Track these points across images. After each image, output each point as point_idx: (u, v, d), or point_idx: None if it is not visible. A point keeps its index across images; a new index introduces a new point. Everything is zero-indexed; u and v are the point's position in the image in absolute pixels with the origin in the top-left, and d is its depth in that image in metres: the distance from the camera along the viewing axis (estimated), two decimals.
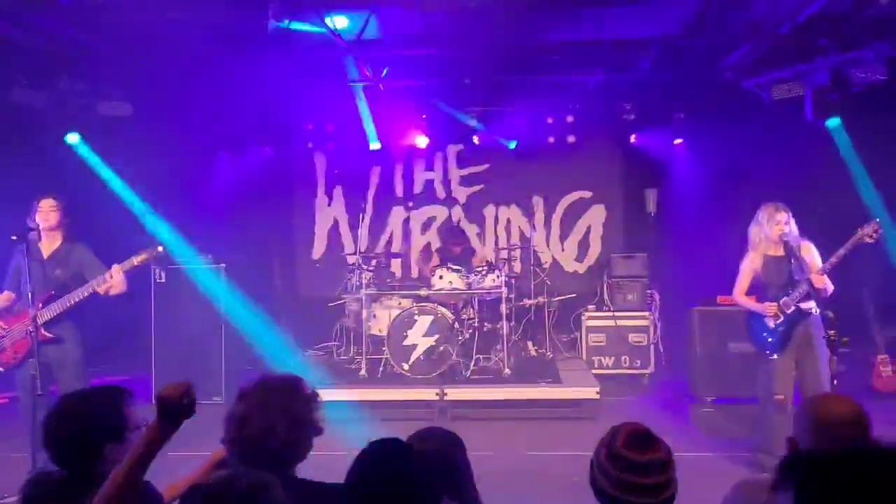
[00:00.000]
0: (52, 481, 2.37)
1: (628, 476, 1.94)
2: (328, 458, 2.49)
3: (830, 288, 5.02)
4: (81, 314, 5.29)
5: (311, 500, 2.32)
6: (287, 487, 2.23)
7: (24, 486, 2.39)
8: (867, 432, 2.29)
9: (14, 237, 4.75)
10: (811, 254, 5.21)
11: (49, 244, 5.26)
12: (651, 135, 9.21)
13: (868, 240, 4.92)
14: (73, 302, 5.08)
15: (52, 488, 2.34)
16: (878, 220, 4.94)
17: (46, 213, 5.14)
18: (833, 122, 7.58)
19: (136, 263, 5.21)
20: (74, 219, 5.38)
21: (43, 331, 4.92)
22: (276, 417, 2.31)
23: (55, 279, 5.15)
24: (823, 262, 5.09)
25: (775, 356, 5.23)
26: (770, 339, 5.27)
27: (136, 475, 2.09)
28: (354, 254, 8.66)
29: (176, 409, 2.14)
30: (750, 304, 5.42)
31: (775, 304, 5.22)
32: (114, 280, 5.10)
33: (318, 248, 10.35)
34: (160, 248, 5.30)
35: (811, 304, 5.15)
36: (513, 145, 9.48)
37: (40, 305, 4.99)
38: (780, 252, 5.23)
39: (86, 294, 5.11)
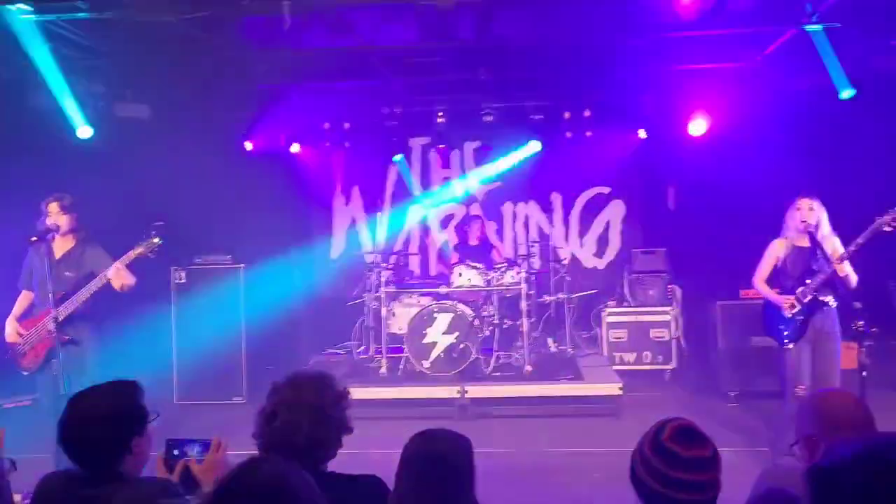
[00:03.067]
0: (68, 481, 2.37)
1: (672, 471, 1.88)
2: (349, 456, 2.48)
3: (854, 277, 4.94)
4: (98, 316, 5.27)
5: (340, 493, 2.30)
6: (322, 484, 2.27)
7: (36, 488, 2.39)
8: (871, 428, 2.25)
9: (33, 238, 4.78)
10: (834, 246, 5.12)
11: (62, 245, 5.21)
12: (670, 128, 9.09)
13: (887, 228, 4.82)
14: (80, 301, 5.00)
15: (70, 488, 2.33)
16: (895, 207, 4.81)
17: (55, 216, 5.09)
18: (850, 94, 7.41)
19: (132, 257, 5.05)
20: (84, 219, 5.33)
21: (62, 333, 4.92)
22: (303, 413, 2.32)
23: (66, 280, 5.07)
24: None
25: (791, 345, 5.16)
26: (785, 329, 5.20)
27: None
28: (373, 252, 8.65)
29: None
30: (769, 293, 5.35)
31: (792, 297, 5.16)
32: (114, 275, 4.97)
33: (337, 248, 10.37)
34: (157, 240, 5.09)
35: (829, 297, 5.09)
36: (531, 141, 9.40)
37: (60, 308, 4.96)
38: (805, 243, 5.15)
39: (88, 294, 5.02)
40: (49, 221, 5.04)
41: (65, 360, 4.87)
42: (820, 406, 2.33)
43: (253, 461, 1.72)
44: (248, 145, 9.11)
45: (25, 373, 5.19)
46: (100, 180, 7.63)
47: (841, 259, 4.92)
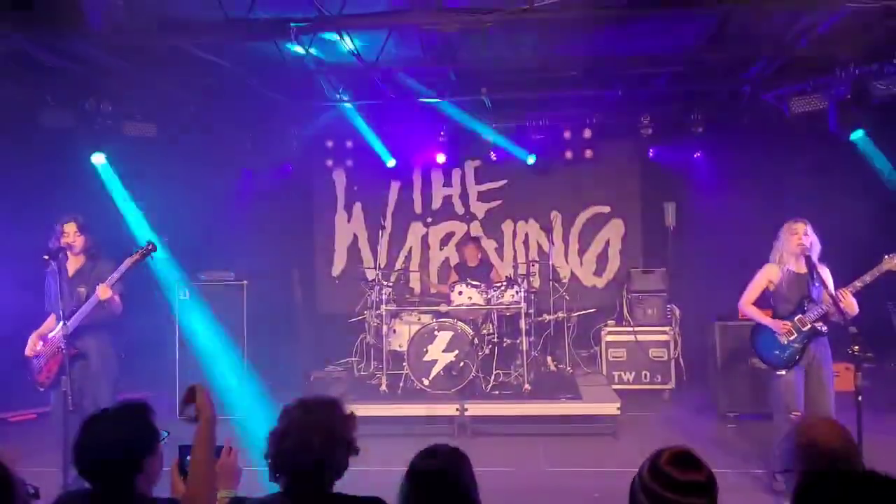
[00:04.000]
0: (83, 501, 2.42)
1: (667, 493, 1.96)
2: (349, 473, 2.53)
3: (855, 309, 4.92)
4: (110, 330, 5.43)
5: None
6: (321, 502, 2.37)
7: None
8: (858, 460, 2.30)
9: (46, 257, 4.88)
10: (826, 275, 5.13)
11: (75, 263, 5.41)
12: (669, 148, 9.19)
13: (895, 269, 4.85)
14: (83, 317, 5.14)
15: None
16: None
17: (72, 237, 5.28)
18: (856, 135, 7.53)
19: (123, 272, 5.22)
20: (96, 237, 5.50)
21: (68, 346, 5.04)
22: (312, 435, 2.37)
23: (79, 296, 5.24)
24: (839, 286, 5.00)
25: (783, 372, 5.17)
26: (780, 355, 5.20)
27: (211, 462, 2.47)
28: (374, 269, 8.72)
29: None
30: (762, 317, 5.32)
31: (790, 323, 5.15)
32: (101, 293, 5.11)
33: (338, 265, 10.44)
34: (150, 246, 5.30)
35: (825, 326, 5.12)
36: (531, 160, 9.50)
37: (68, 323, 5.07)
38: (802, 268, 5.18)
39: (87, 310, 5.15)
40: (65, 241, 5.22)
41: (74, 373, 5.02)
42: (802, 437, 2.38)
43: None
44: (248, 166, 9.20)
45: (41, 388, 5.32)
46: (107, 196, 7.75)
47: (845, 295, 4.88)
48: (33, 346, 5.31)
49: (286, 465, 2.37)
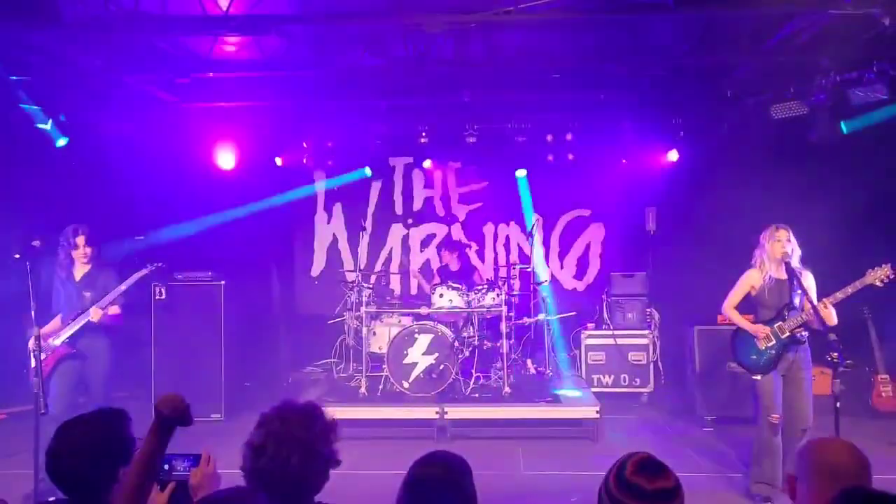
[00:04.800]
0: None
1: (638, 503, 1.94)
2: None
3: (835, 319, 4.93)
4: (108, 333, 5.73)
5: None
6: None
7: None
8: (869, 480, 2.30)
9: (17, 255, 4.86)
10: (809, 283, 5.15)
11: (81, 269, 5.76)
12: (651, 153, 9.23)
13: (878, 283, 4.85)
14: (81, 324, 5.54)
15: None
16: (890, 265, 4.85)
17: (83, 249, 5.67)
18: (848, 127, 7.52)
19: (118, 295, 5.65)
20: (99, 247, 5.85)
21: (67, 346, 5.54)
22: (292, 448, 2.30)
23: (85, 299, 5.63)
24: (822, 295, 5.02)
25: (759, 377, 5.20)
26: (757, 360, 5.22)
27: (147, 485, 2.23)
28: (354, 271, 8.67)
29: (175, 422, 2.26)
30: (742, 321, 5.35)
31: (769, 328, 5.18)
32: (94, 316, 5.54)
33: (318, 265, 10.37)
34: (145, 271, 5.89)
35: (805, 332, 5.14)
36: (522, 173, 9.47)
37: (63, 331, 5.56)
38: (783, 275, 5.20)
39: (79, 324, 5.55)
40: (76, 253, 5.66)
41: (73, 370, 5.53)
42: (816, 451, 2.36)
43: None
44: (228, 163, 9.11)
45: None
46: (80, 192, 7.63)
47: (826, 306, 4.90)
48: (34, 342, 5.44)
49: (264, 480, 2.30)
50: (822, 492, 2.23)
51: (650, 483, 1.96)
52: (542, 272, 9.59)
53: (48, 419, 4.54)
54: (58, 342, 5.51)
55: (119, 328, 5.78)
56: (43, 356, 5.28)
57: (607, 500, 2.01)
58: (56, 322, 5.64)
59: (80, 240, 5.64)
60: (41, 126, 6.85)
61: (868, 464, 2.30)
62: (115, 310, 5.62)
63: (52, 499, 2.48)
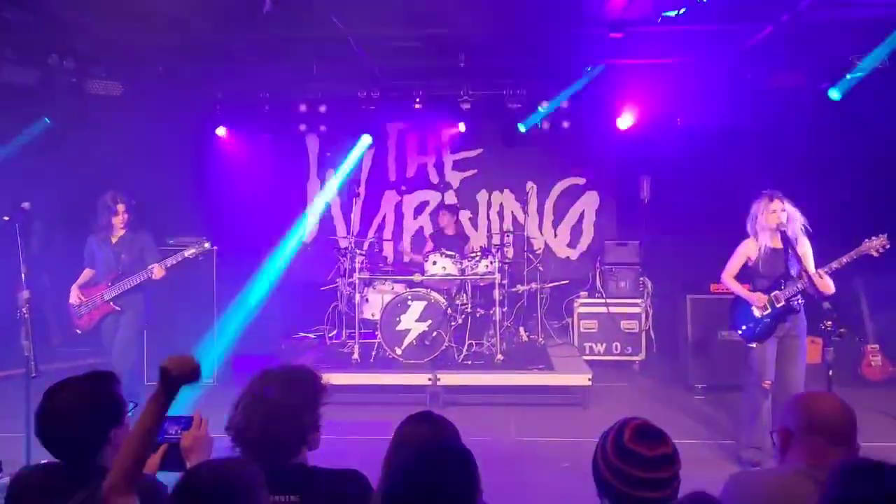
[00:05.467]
0: (46, 475, 2.34)
1: (639, 471, 1.93)
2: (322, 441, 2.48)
3: (832, 289, 4.94)
4: (143, 291, 6.26)
5: (322, 486, 2.32)
6: (294, 475, 2.31)
7: (11, 482, 2.35)
8: (856, 434, 2.31)
9: (6, 218, 4.87)
10: (805, 250, 5.16)
11: (118, 233, 6.22)
12: (646, 121, 9.14)
13: (874, 253, 4.87)
14: (131, 285, 6.08)
15: (48, 482, 2.30)
16: (886, 235, 4.87)
17: (122, 215, 6.15)
18: (834, 94, 7.47)
19: (180, 259, 6.18)
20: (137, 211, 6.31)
21: (112, 304, 6.12)
22: (258, 409, 2.31)
23: (122, 262, 6.15)
24: (819, 264, 5.04)
25: (754, 345, 5.24)
26: (753, 328, 5.26)
27: (149, 444, 2.18)
28: (347, 237, 8.62)
29: (182, 382, 2.20)
30: (740, 289, 5.38)
31: (766, 296, 5.21)
32: (157, 274, 6.07)
33: (311, 231, 10.32)
34: (207, 245, 6.36)
35: (800, 300, 5.16)
36: (524, 128, 9.34)
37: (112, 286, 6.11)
38: (778, 244, 5.20)
39: (138, 281, 6.08)
40: (116, 219, 6.12)
41: (109, 325, 6.16)
42: (808, 406, 2.36)
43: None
44: (221, 131, 9.00)
45: (79, 331, 6.25)
46: (72, 157, 7.54)
47: (822, 276, 4.91)
48: (77, 295, 6.17)
49: (251, 442, 2.31)
50: (813, 444, 2.26)
51: (649, 450, 1.95)
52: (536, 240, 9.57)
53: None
54: (109, 297, 6.07)
55: (145, 289, 6.28)
56: (85, 310, 6.13)
57: (604, 466, 2.00)
58: (87, 273, 6.24)
59: (120, 207, 6.12)
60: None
61: (855, 418, 2.32)
62: (162, 272, 6.10)
63: (42, 461, 2.45)
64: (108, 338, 6.18)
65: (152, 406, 2.18)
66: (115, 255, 6.15)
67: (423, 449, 2.04)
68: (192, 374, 2.21)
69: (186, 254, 6.18)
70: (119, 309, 6.14)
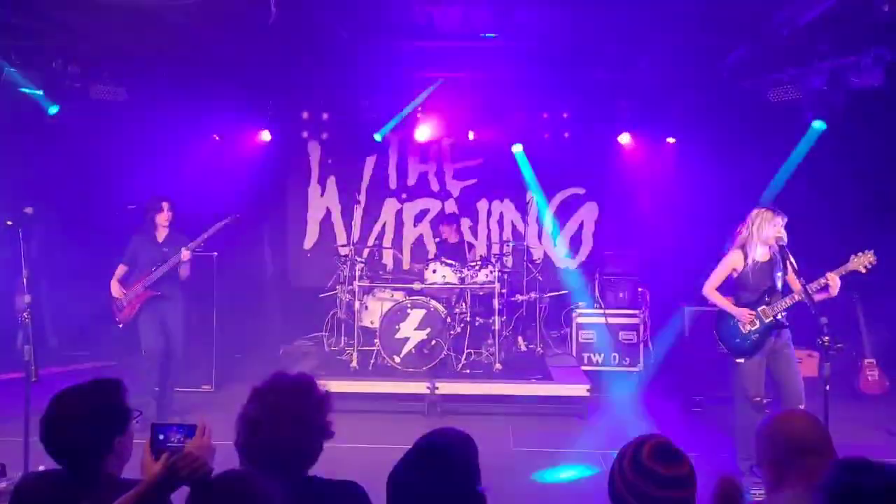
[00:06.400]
0: (51, 482, 2.34)
1: (653, 489, 1.94)
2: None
3: (836, 291, 4.93)
4: (182, 284, 6.73)
5: (321, 497, 2.32)
6: (298, 488, 2.29)
7: (15, 490, 2.35)
8: (831, 449, 2.32)
9: (9, 223, 4.88)
10: (791, 264, 5.13)
11: (162, 231, 6.73)
12: (647, 133, 9.19)
13: (862, 269, 4.88)
14: (166, 269, 6.52)
15: (51, 490, 2.31)
16: (873, 251, 4.88)
17: (166, 213, 6.68)
18: (819, 126, 7.57)
19: (205, 237, 6.65)
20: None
21: (151, 291, 6.55)
22: (286, 422, 2.29)
23: (165, 255, 6.59)
24: (805, 280, 5.02)
25: (742, 360, 5.20)
26: (741, 343, 5.22)
27: None
28: (347, 245, 8.64)
29: (188, 483, 2.10)
30: (726, 304, 5.31)
31: (753, 312, 5.16)
32: (185, 256, 6.57)
33: (311, 238, 10.33)
34: (237, 216, 6.80)
35: (785, 314, 5.15)
36: (518, 148, 9.40)
37: (154, 272, 6.55)
38: (767, 257, 5.19)
39: (172, 265, 6.54)
40: (160, 217, 6.66)
41: (160, 311, 6.60)
42: (786, 431, 2.37)
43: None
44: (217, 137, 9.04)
45: (121, 325, 6.63)
46: (73, 161, 7.56)
47: (816, 290, 4.90)
48: (118, 289, 6.58)
49: (257, 454, 2.29)
50: (807, 465, 2.24)
51: (666, 469, 1.96)
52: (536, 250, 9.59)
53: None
54: (148, 284, 6.51)
55: (187, 282, 6.77)
56: (126, 301, 6.55)
57: (619, 480, 2.00)
58: (121, 270, 6.64)
59: (165, 205, 6.66)
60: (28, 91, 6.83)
61: (828, 435, 2.34)
62: (188, 255, 6.57)
63: (41, 467, 2.46)
64: (151, 328, 6.55)
65: (145, 489, 2.08)
66: (159, 252, 6.61)
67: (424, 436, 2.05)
68: (204, 475, 2.11)
69: (209, 233, 6.65)
70: (159, 293, 6.54)
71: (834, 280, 4.89)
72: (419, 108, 9.01)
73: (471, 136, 9.61)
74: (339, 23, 6.44)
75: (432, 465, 2.03)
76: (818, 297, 4.87)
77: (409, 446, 2.26)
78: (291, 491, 2.26)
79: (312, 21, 6.31)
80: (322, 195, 10.33)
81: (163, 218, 6.69)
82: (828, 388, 4.17)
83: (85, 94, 7.26)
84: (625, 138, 9.20)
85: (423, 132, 9.39)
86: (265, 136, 9.35)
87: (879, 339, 7.68)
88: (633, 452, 2.01)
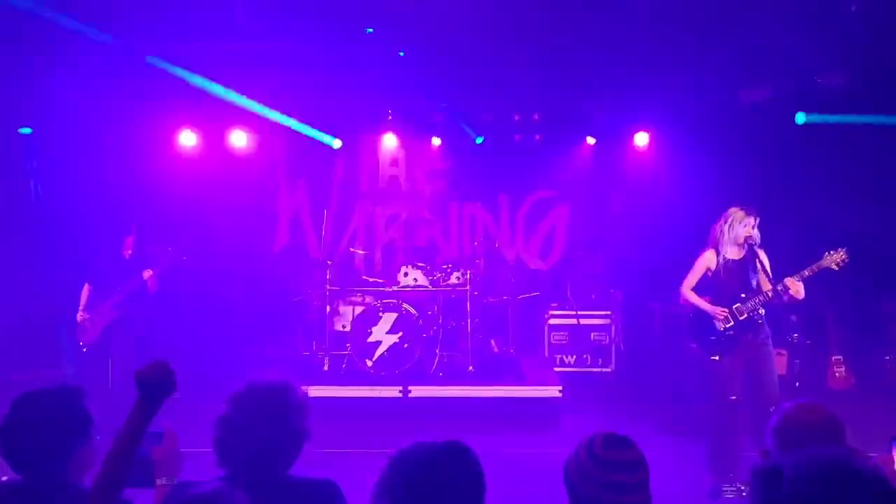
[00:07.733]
0: (7, 492, 2.26)
1: (617, 477, 1.99)
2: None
3: (803, 295, 4.97)
4: (146, 302, 6.72)
5: (297, 496, 2.31)
6: (277, 488, 2.28)
7: None
8: (842, 439, 2.39)
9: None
10: (766, 263, 5.17)
11: (127, 252, 6.71)
12: (617, 135, 9.25)
13: (834, 267, 4.91)
14: (129, 290, 6.54)
15: (10, 501, 2.23)
16: (845, 248, 4.92)
17: (134, 236, 6.72)
18: (800, 119, 7.66)
19: (167, 266, 6.69)
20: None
21: (115, 311, 6.51)
22: (262, 423, 2.28)
23: (132, 276, 6.60)
24: (777, 278, 5.06)
25: (717, 358, 5.22)
26: (716, 341, 5.24)
27: (128, 455, 2.12)
28: (317, 248, 8.56)
29: (156, 389, 2.17)
30: (700, 303, 5.33)
31: (727, 309, 5.19)
32: (146, 276, 6.59)
33: (280, 241, 10.22)
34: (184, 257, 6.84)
35: (762, 311, 5.18)
36: (479, 141, 9.43)
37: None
38: (739, 255, 5.23)
39: (135, 285, 6.56)
40: (128, 240, 6.69)
41: (117, 331, 6.59)
42: (801, 421, 2.43)
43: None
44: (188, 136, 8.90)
45: (84, 348, 6.64)
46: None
47: (794, 282, 4.93)
48: (81, 315, 6.59)
49: (236, 458, 2.28)
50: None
51: (624, 455, 2.04)
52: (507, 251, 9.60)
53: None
54: (112, 306, 6.52)
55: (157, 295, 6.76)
56: (90, 325, 6.53)
57: (573, 470, 2.06)
58: (86, 291, 6.65)
59: (134, 227, 6.78)
60: None
61: (840, 425, 2.43)
62: (150, 273, 6.60)
63: (4, 478, 2.38)
64: (116, 345, 6.56)
65: (134, 420, 2.13)
66: (126, 271, 6.61)
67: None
68: (170, 382, 2.18)
69: (166, 264, 6.69)
70: (121, 313, 6.54)
71: (793, 285, 4.92)
72: (389, 112, 8.97)
73: (436, 141, 9.55)
74: None
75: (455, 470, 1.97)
76: (787, 298, 4.92)
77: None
78: (268, 490, 2.24)
79: None
80: (291, 197, 10.20)
81: (130, 240, 6.75)
82: (797, 384, 4.21)
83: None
84: (595, 140, 9.25)
85: (391, 139, 9.39)
86: (236, 136, 9.23)
87: (846, 336, 7.78)
88: (587, 443, 2.08)
